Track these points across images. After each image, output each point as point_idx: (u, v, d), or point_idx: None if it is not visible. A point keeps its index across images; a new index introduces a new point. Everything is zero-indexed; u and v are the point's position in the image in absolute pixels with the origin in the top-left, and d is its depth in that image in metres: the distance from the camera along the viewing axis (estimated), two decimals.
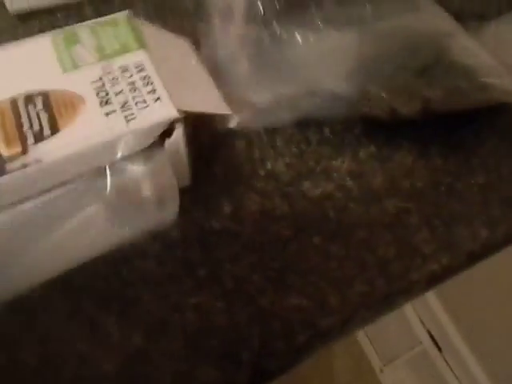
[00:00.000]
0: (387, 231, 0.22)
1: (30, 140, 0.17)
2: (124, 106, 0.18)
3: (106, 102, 0.18)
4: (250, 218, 0.22)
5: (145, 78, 0.19)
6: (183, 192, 0.21)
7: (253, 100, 0.22)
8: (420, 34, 0.23)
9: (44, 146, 0.17)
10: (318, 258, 0.22)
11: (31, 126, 0.18)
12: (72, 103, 0.18)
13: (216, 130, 0.24)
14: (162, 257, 0.21)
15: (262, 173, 0.23)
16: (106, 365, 0.19)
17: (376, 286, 0.21)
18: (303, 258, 0.22)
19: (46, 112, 0.18)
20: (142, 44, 0.20)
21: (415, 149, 0.25)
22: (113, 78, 0.19)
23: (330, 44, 0.21)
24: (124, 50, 0.20)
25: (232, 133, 0.24)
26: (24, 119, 0.18)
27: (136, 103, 0.19)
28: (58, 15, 0.27)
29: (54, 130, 0.18)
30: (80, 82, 0.19)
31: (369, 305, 0.21)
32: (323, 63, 0.21)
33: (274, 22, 0.22)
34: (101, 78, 0.19)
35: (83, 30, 0.21)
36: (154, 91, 0.19)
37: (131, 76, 0.19)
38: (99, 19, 0.21)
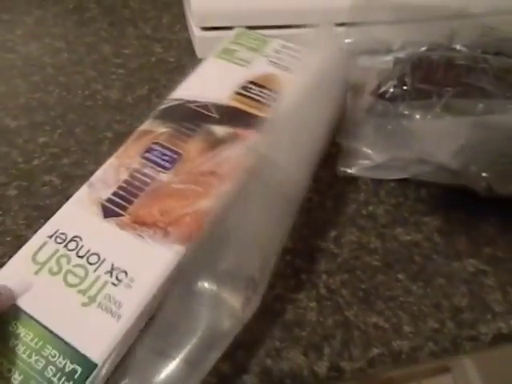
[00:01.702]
0: (464, 285, 0.26)
1: None
2: None
3: None
4: (349, 245, 0.27)
5: None
6: (298, 215, 0.27)
7: (372, 156, 0.28)
8: None
9: None
10: (400, 291, 0.26)
11: None
12: None
13: (335, 172, 0.29)
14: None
15: (364, 213, 0.29)
16: None
17: (446, 326, 0.25)
18: (387, 287, 0.26)
19: None
20: None
21: (501, 224, 0.28)
22: None
23: (444, 125, 0.26)
24: None
25: (347, 177, 0.30)
26: None
27: None
28: None
29: None
30: None
31: (437, 340, 0.24)
32: (436, 139, 0.26)
33: (400, 101, 0.28)
34: None
35: None
36: None
37: None
38: None
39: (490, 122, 0.26)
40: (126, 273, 0.20)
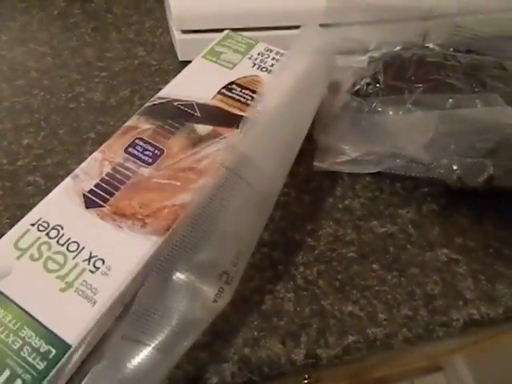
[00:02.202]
0: (436, 273, 0.27)
1: None
2: None
3: None
4: (325, 237, 0.28)
5: None
6: (275, 209, 0.28)
7: (347, 151, 0.29)
8: (490, 123, 0.28)
9: None
10: (375, 280, 0.26)
11: None
12: None
13: (311, 167, 0.30)
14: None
15: (340, 206, 0.29)
16: None
17: (419, 313, 0.25)
18: (362, 277, 0.27)
19: None
20: None
21: (472, 215, 0.29)
22: None
23: (414, 119, 0.27)
24: None
25: (323, 172, 0.31)
26: None
27: None
28: None
29: None
30: None
31: (411, 327, 0.25)
32: (407, 133, 0.27)
33: (373, 98, 0.29)
34: None
35: None
36: None
37: None
38: None
39: (458, 116, 0.27)
40: (103, 261, 0.21)
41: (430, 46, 0.35)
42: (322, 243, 0.28)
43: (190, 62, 0.36)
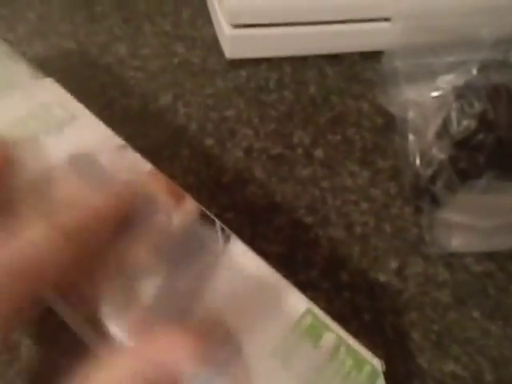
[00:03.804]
0: None
1: None
2: None
3: None
4: (414, 278, 0.24)
5: None
6: (353, 243, 0.24)
7: (476, 224, 0.23)
8: None
9: None
10: (477, 332, 0.23)
11: None
12: None
13: (388, 189, 0.26)
14: (331, 296, 0.23)
15: (428, 238, 0.25)
16: None
17: None
18: (462, 327, 0.23)
19: None
20: None
21: None
22: None
23: None
24: None
25: (403, 196, 0.26)
26: None
27: None
28: (263, 67, 0.32)
29: None
30: None
31: None
32: None
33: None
34: None
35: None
36: None
37: None
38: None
39: None
40: None
41: None
42: (411, 285, 0.24)
43: (239, 60, 0.32)
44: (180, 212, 0.19)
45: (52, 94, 0.22)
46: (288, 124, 0.30)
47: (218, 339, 0.17)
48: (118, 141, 0.21)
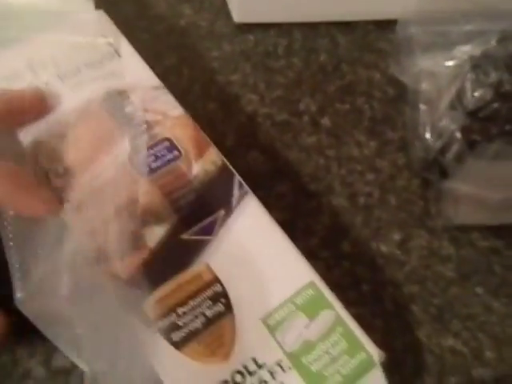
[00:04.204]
0: None
1: None
2: None
3: None
4: (417, 251, 0.23)
5: None
6: (356, 213, 0.23)
7: (484, 195, 0.22)
8: None
9: None
10: (479, 308, 0.22)
11: None
12: None
13: (395, 161, 0.25)
14: (330, 265, 0.23)
15: (434, 211, 0.25)
16: None
17: None
18: (464, 303, 0.22)
19: None
20: None
21: None
22: None
23: None
24: None
25: (410, 169, 0.26)
26: None
27: None
28: (271, 32, 0.31)
29: None
30: None
31: None
32: None
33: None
34: None
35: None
36: None
37: None
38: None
39: None
40: None
41: None
42: (414, 258, 0.23)
43: (247, 25, 0.31)
44: (201, 161, 0.19)
45: (100, 26, 0.22)
46: (295, 91, 0.28)
47: None
48: (155, 81, 0.21)
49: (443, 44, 0.28)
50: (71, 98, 0.20)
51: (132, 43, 0.30)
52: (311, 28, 0.31)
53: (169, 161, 0.18)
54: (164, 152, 0.19)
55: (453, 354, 0.21)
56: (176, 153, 0.19)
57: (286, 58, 0.30)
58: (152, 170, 0.18)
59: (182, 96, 0.28)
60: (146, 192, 0.17)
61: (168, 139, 0.19)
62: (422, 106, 0.27)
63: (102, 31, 0.22)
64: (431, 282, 0.22)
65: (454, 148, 0.24)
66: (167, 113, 0.20)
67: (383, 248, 0.23)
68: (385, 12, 0.30)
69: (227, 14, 0.32)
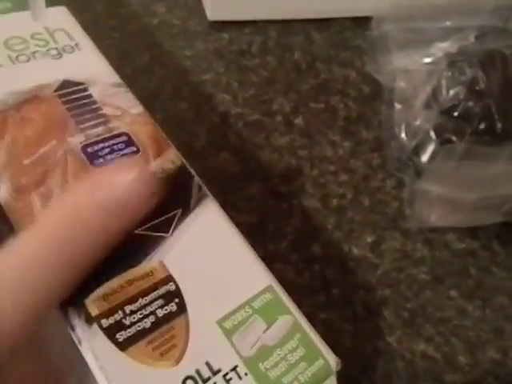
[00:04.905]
0: None
1: None
2: None
3: None
4: (390, 253, 0.23)
5: None
6: (328, 215, 0.22)
7: (458, 196, 0.21)
8: None
9: None
10: (453, 311, 0.21)
11: None
12: None
13: (369, 161, 0.25)
14: (299, 268, 0.22)
15: (408, 213, 0.24)
16: None
17: (510, 357, 0.20)
18: (437, 307, 0.21)
19: None
20: None
21: None
22: None
23: None
24: None
25: (384, 168, 0.25)
26: None
27: None
28: (246, 30, 0.30)
29: None
30: None
31: (499, 375, 0.20)
32: None
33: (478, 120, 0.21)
34: None
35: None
36: None
37: None
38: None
39: None
40: None
41: None
42: (387, 260, 0.23)
43: (222, 23, 0.30)
44: (159, 160, 0.18)
45: (61, 21, 0.21)
46: (268, 90, 0.28)
47: None
48: (116, 78, 0.20)
49: (419, 41, 0.27)
50: (20, 82, 0.19)
51: (102, 42, 0.29)
52: (286, 25, 0.31)
53: (125, 155, 0.18)
54: (121, 146, 0.18)
55: (424, 359, 0.20)
56: (133, 148, 0.18)
57: (260, 56, 0.29)
58: (106, 162, 0.17)
59: (153, 96, 0.27)
60: None
61: (126, 134, 0.18)
62: (398, 105, 0.26)
63: (62, 24, 0.21)
64: (404, 285, 0.22)
65: (429, 148, 0.24)
66: (127, 110, 0.19)
67: (355, 250, 0.23)
68: (360, 9, 0.30)
69: (201, 12, 0.31)
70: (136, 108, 0.19)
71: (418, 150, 0.24)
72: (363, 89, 0.28)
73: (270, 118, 0.27)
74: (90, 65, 0.20)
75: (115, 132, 0.18)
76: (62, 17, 0.22)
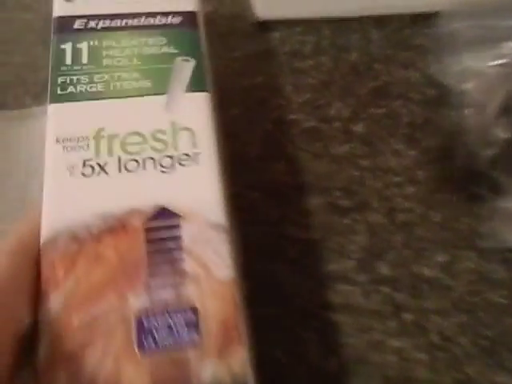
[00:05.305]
0: None
1: None
2: None
3: None
4: (465, 275, 0.21)
5: None
6: (395, 232, 0.21)
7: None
8: None
9: None
10: None
11: None
12: None
13: (436, 171, 0.23)
14: (367, 290, 0.21)
15: (483, 230, 0.22)
16: None
17: None
18: None
19: None
20: None
21: None
22: None
23: None
24: None
25: (452, 181, 0.23)
26: None
27: None
28: (298, 29, 0.29)
29: None
30: None
31: None
32: None
33: None
34: None
35: None
36: None
37: None
38: None
39: None
40: None
41: None
42: (462, 283, 0.21)
43: (272, 21, 0.29)
44: (217, 360, 0.14)
45: (194, 115, 0.17)
46: (325, 94, 0.26)
47: None
48: (219, 215, 0.15)
49: (491, 40, 0.25)
50: (116, 200, 0.15)
51: None
52: (341, 23, 0.29)
53: (182, 345, 0.14)
54: (182, 329, 0.14)
55: None
56: (195, 336, 0.14)
57: (314, 57, 0.27)
58: (157, 351, 0.13)
59: None
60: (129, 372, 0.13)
61: (195, 310, 0.14)
62: (468, 111, 0.24)
63: (192, 121, 0.17)
64: (482, 310, 0.20)
65: (508, 160, 0.22)
66: (212, 271, 0.15)
67: (426, 271, 0.21)
68: (422, 4, 0.28)
69: (250, 11, 0.29)
70: (224, 270, 0.15)
71: (495, 163, 0.22)
72: (427, 92, 0.26)
73: (328, 125, 0.25)
74: (198, 188, 0.16)
75: (185, 305, 0.14)
76: (198, 109, 0.17)
